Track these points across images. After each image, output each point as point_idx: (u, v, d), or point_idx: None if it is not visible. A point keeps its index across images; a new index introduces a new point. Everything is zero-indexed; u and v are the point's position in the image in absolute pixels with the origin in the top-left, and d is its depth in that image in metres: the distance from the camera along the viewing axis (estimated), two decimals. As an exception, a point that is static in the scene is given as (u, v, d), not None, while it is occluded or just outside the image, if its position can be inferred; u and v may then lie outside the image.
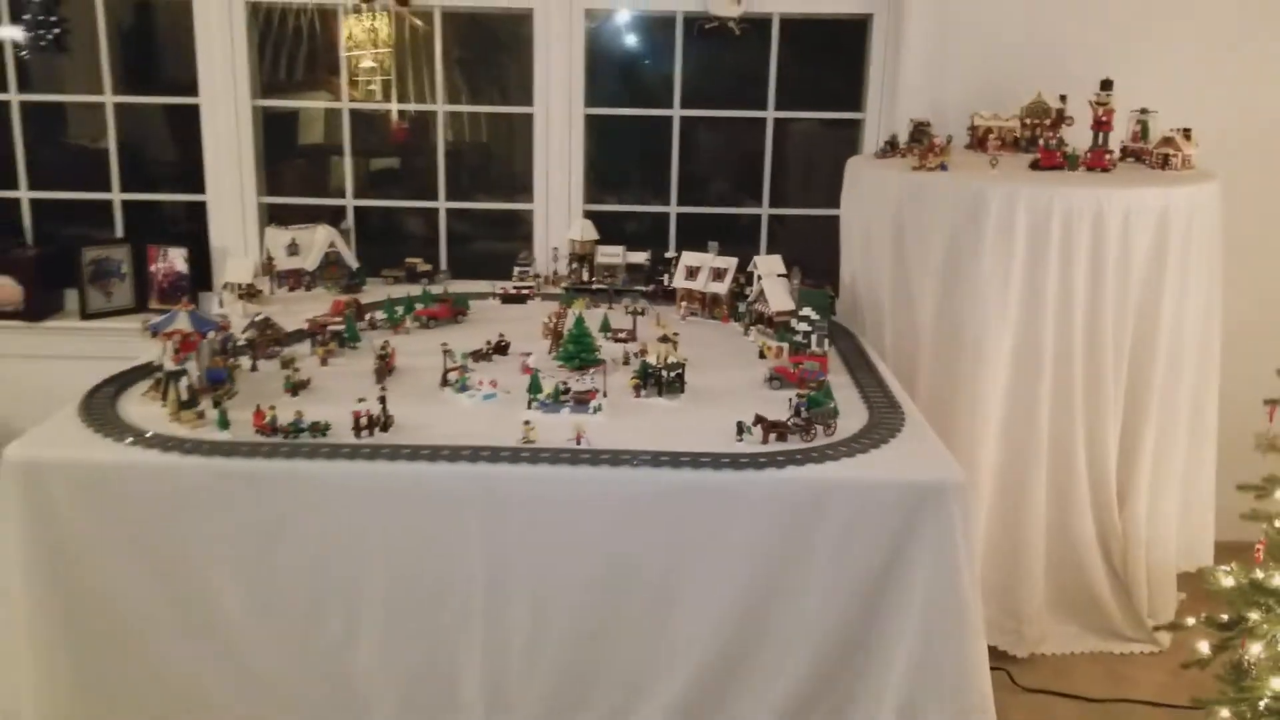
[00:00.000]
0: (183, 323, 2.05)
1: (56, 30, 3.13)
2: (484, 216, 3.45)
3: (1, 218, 3.27)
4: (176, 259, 3.25)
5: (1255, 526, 1.92)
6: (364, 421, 1.91)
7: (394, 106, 3.15)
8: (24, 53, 3.15)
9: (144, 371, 2.19)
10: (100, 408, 2.02)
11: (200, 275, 3.27)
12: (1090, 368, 2.47)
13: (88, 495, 1.82)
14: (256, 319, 2.33)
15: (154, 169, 3.43)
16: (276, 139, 3.32)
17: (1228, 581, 1.94)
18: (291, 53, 3.22)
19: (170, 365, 1.99)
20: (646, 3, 3.13)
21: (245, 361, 2.25)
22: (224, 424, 1.90)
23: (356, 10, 3.02)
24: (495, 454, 1.84)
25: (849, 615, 1.86)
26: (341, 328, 2.39)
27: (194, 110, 3.18)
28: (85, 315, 3.22)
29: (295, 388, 2.11)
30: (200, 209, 3.26)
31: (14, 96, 3.23)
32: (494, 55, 3.44)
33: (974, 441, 2.46)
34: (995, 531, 2.52)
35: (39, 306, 3.20)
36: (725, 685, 1.90)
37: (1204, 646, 1.96)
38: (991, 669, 1.89)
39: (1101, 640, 2.65)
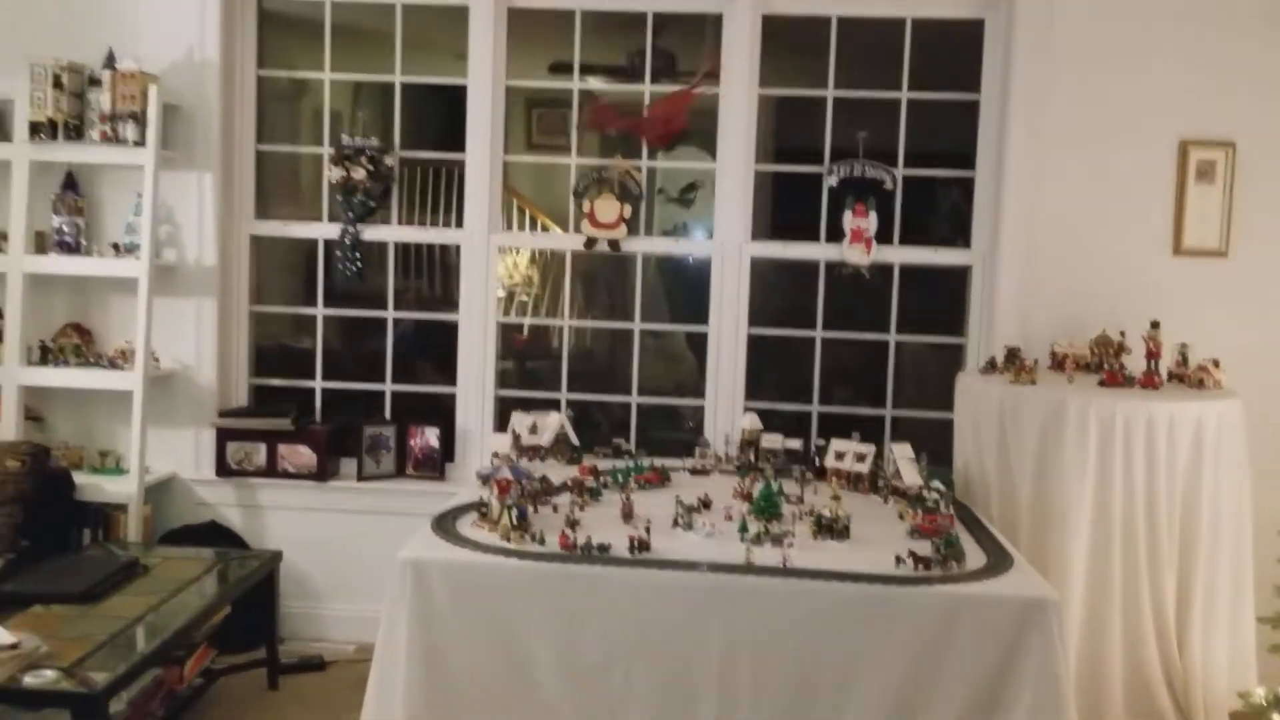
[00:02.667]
0: (505, 473, 2.97)
1: (359, 264, 4.22)
2: (657, 410, 4.38)
3: (302, 401, 4.30)
4: (431, 436, 4.21)
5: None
6: (636, 543, 2.77)
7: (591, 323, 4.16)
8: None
9: (462, 510, 3.08)
10: (447, 529, 2.91)
11: (446, 450, 4.23)
12: (1150, 538, 3.22)
13: (455, 586, 2.65)
14: (538, 476, 3.24)
15: (417, 365, 4.48)
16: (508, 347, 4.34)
17: (1258, 696, 2.66)
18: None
19: (496, 500, 2.90)
20: (799, 252, 4.14)
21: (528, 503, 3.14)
22: (541, 541, 2.78)
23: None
24: (730, 568, 2.68)
25: (978, 702, 2.60)
26: (594, 484, 3.29)
27: (453, 325, 4.24)
28: (361, 478, 4.13)
29: (573, 524, 2.99)
30: (450, 398, 4.26)
31: (319, 311, 4.32)
32: (676, 287, 4.48)
33: (1062, 593, 3.19)
34: (1081, 665, 3.21)
35: (326, 470, 4.14)
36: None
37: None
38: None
39: None
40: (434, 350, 4.39)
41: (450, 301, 4.30)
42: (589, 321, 4.45)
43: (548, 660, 2.64)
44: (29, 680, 2.58)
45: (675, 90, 4.08)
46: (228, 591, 3.34)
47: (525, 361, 5.01)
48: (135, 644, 2.86)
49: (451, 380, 4.22)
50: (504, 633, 2.65)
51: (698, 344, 4.27)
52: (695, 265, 4.29)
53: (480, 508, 2.98)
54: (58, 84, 3.81)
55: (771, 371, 4.30)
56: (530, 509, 2.98)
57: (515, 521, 2.82)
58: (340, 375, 4.31)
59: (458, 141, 4.15)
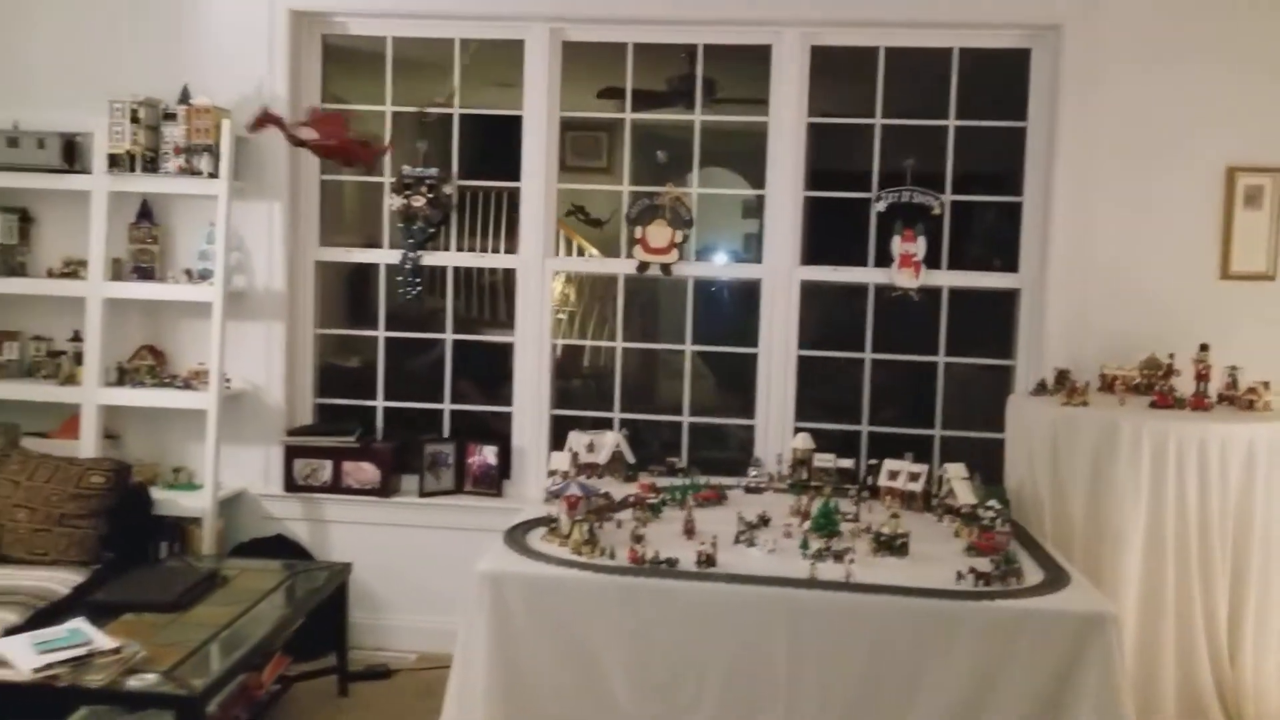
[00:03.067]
0: (574, 490, 3.08)
1: (419, 288, 4.36)
2: (702, 429, 4.48)
3: (365, 421, 4.43)
4: (489, 454, 4.32)
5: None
6: (703, 558, 2.87)
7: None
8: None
9: (531, 524, 3.19)
10: (519, 542, 3.02)
11: (504, 466, 4.35)
12: (1202, 553, 3.29)
13: (530, 597, 2.77)
14: (601, 492, 3.35)
15: (473, 385, 4.61)
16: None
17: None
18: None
19: (565, 517, 3.01)
20: (849, 276, 4.24)
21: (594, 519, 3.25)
22: (611, 555, 2.88)
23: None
24: (794, 582, 2.77)
25: (1039, 710, 2.66)
26: (655, 501, 3.40)
27: (510, 346, 4.37)
28: (422, 494, 4.26)
29: (638, 539, 3.09)
30: (507, 417, 4.39)
31: (381, 333, 4.47)
32: (722, 310, 4.59)
33: (1116, 608, 3.28)
34: (1134, 678, 3.25)
35: (388, 486, 4.27)
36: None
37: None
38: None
39: None
40: (473, 370, 4.51)
41: (494, 322, 4.44)
42: (642, 344, 4.57)
43: (619, 670, 2.75)
44: (132, 683, 2.71)
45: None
46: (305, 601, 3.46)
47: (566, 380, 5.14)
48: (225, 650, 2.99)
49: (490, 398, 4.34)
50: (577, 643, 2.76)
51: (714, 362, 4.38)
52: (720, 287, 4.40)
53: (550, 523, 3.10)
54: (135, 118, 3.98)
55: (816, 392, 4.38)
56: (597, 524, 3.09)
57: (586, 536, 2.92)
58: (391, 395, 4.45)
59: (504, 167, 4.29)
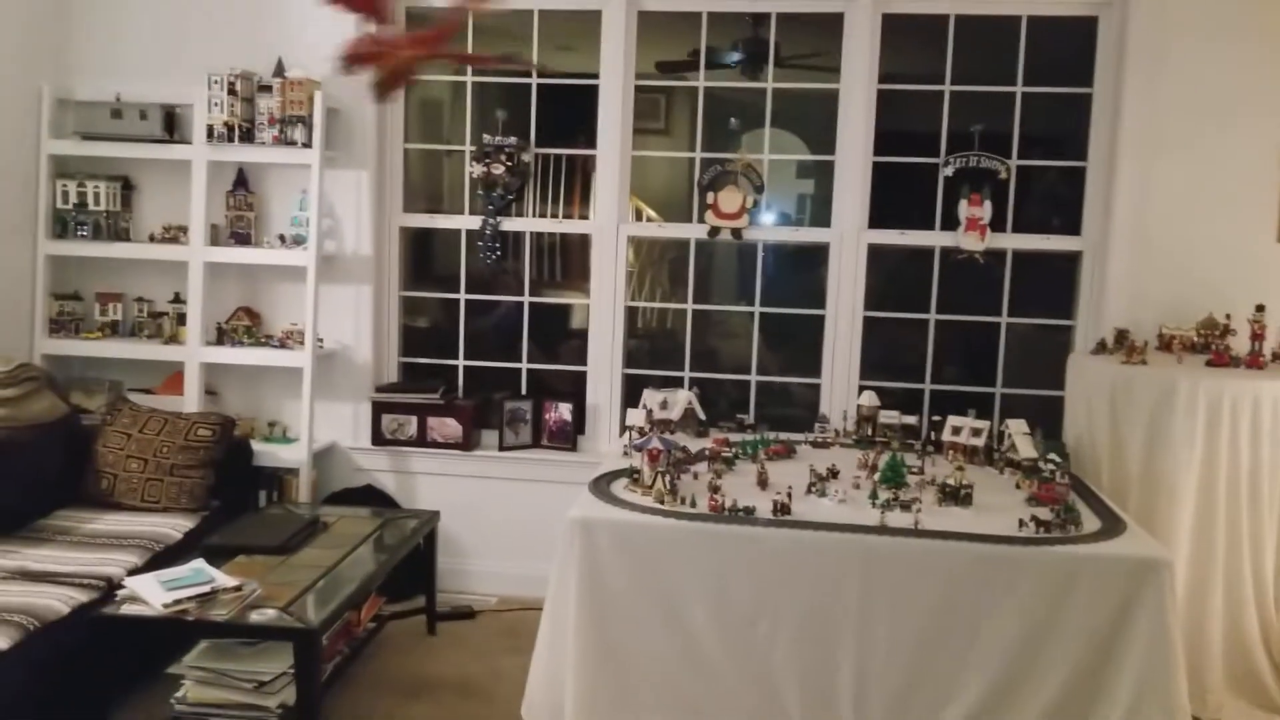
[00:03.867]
0: (655, 444, 3.28)
1: (499, 253, 4.56)
2: (768, 386, 4.66)
3: (448, 379, 4.67)
4: (565, 411, 4.54)
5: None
6: (779, 506, 3.07)
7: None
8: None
9: (612, 475, 3.40)
10: (603, 491, 3.24)
11: (578, 423, 4.57)
12: (1252, 505, 3.43)
13: (618, 541, 2.98)
14: (680, 446, 3.55)
15: (550, 344, 4.84)
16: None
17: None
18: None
19: (648, 468, 3.22)
20: (916, 239, 4.37)
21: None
22: (693, 504, 3.09)
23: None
24: (866, 529, 2.96)
25: (1095, 650, 2.84)
26: (729, 454, 3.60)
27: (585, 307, 4.58)
28: (502, 448, 4.49)
29: (715, 489, 3.29)
30: (582, 376, 4.60)
31: (462, 295, 4.69)
32: (793, 272, 4.75)
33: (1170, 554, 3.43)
34: (1185, 622, 3.44)
35: (470, 441, 4.51)
36: (1003, 699, 2.90)
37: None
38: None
39: (1266, 714, 3.46)
40: (568, 329, 4.73)
41: (554, 284, 4.66)
42: (713, 305, 4.74)
43: (700, 610, 2.96)
44: (254, 617, 2.97)
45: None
46: (399, 546, 3.71)
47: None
48: (331, 589, 3.24)
49: (553, 358, 4.60)
50: (661, 584, 2.97)
51: (752, 321, 4.54)
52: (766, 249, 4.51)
53: (633, 473, 3.31)
54: (232, 91, 4.20)
55: (879, 352, 4.53)
56: (676, 476, 3.29)
57: (669, 486, 3.13)
58: (480, 354, 4.68)
59: (575, 134, 4.45)
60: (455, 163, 4.61)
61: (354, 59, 1.97)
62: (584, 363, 4.54)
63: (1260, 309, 3.72)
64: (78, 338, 4.42)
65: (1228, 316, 3.81)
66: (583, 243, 4.58)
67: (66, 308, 4.43)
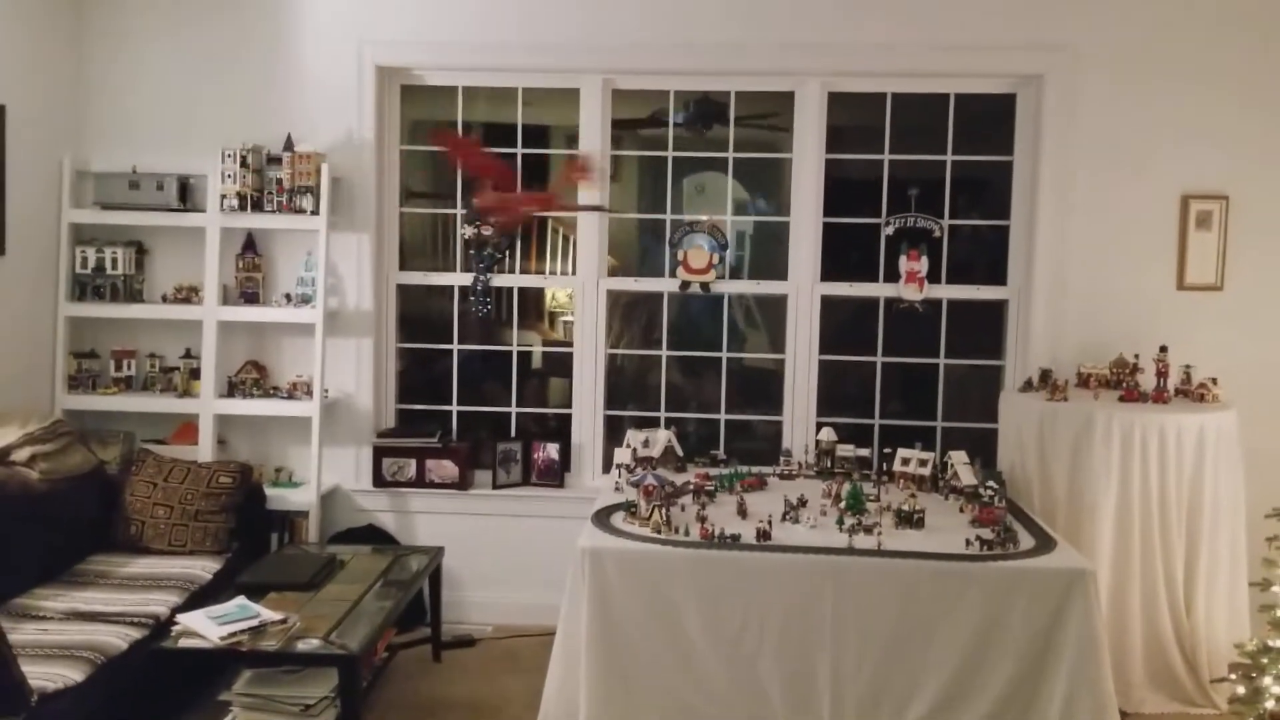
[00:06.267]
0: (650, 480, 3.73)
1: (489, 307, 4.99)
2: (737, 424, 5.14)
3: (443, 425, 5.06)
4: (552, 450, 4.96)
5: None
6: (761, 533, 3.53)
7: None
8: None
9: (610, 509, 3.83)
10: (605, 523, 3.67)
11: (564, 461, 5.00)
12: (1163, 524, 3.95)
13: (623, 567, 3.39)
14: (669, 481, 4.00)
15: (532, 388, 5.26)
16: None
17: (1250, 647, 3.43)
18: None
19: (644, 502, 3.66)
20: (863, 290, 4.90)
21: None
22: (686, 533, 3.54)
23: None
24: (836, 550, 3.43)
25: (1034, 650, 3.32)
26: (711, 487, 4.06)
27: (569, 355, 5.01)
28: (495, 487, 4.90)
29: (703, 519, 3.74)
30: (566, 418, 5.03)
31: (455, 346, 5.10)
32: (759, 320, 5.25)
33: (1094, 566, 3.95)
34: (1109, 626, 3.92)
35: (465, 480, 4.89)
36: (959, 694, 3.38)
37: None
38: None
39: (1181, 706, 3.98)
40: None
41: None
42: (683, 352, 5.21)
43: (697, 624, 3.40)
44: (301, 646, 3.33)
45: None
46: (414, 579, 4.09)
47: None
48: (362, 619, 3.60)
49: (567, 404, 5.01)
50: (661, 603, 3.40)
51: (716, 363, 5.02)
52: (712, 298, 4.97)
53: (629, 507, 3.74)
54: (243, 163, 4.58)
55: (839, 388, 5.04)
56: (668, 508, 3.74)
57: (665, 517, 3.58)
58: (471, 400, 5.08)
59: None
60: (444, 225, 5.03)
61: (485, 210, 2.46)
62: (568, 405, 4.98)
63: (1163, 349, 4.29)
64: (95, 393, 4.73)
65: (1136, 356, 4.38)
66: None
67: (85, 365, 4.74)
